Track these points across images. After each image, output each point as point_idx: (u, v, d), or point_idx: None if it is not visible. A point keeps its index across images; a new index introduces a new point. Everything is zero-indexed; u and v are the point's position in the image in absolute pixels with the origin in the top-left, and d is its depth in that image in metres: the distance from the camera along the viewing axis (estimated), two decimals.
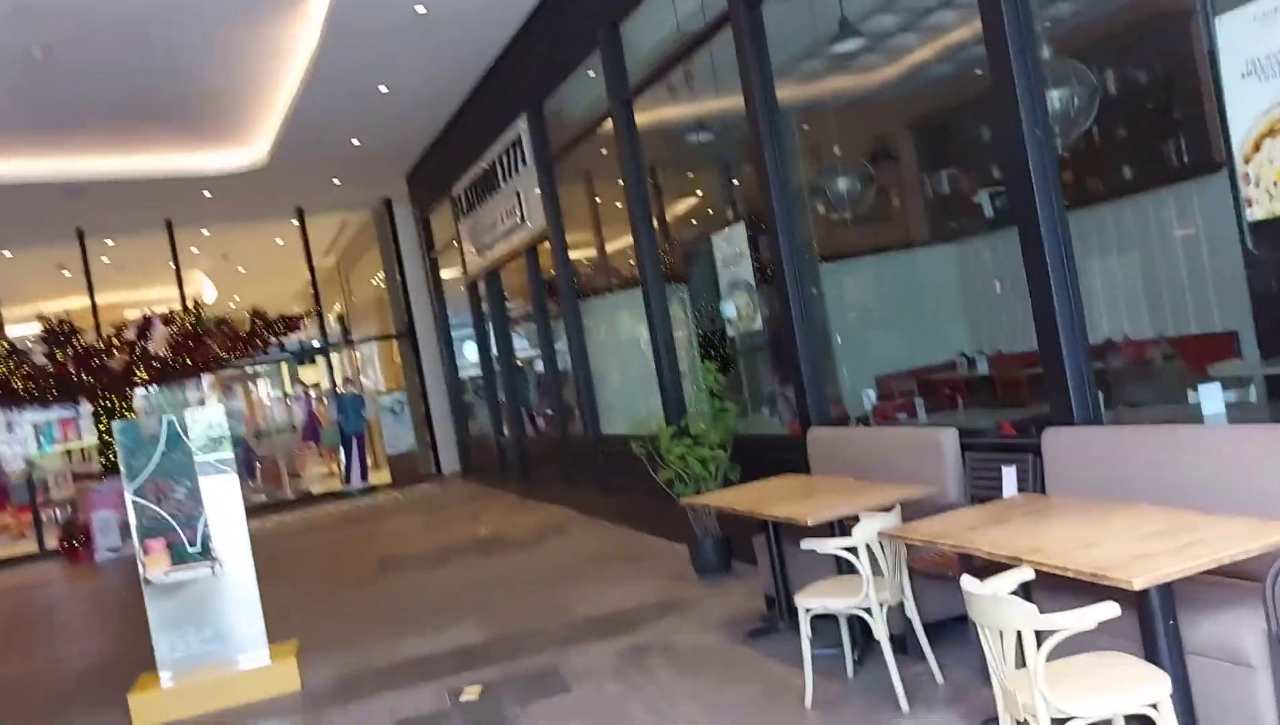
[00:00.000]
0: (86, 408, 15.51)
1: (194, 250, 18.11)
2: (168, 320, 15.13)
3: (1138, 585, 2.83)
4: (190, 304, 16.41)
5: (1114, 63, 6.09)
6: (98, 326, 15.79)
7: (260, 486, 18.75)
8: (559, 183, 10.92)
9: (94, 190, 13.93)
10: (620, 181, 9.07)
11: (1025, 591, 3.26)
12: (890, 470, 5.28)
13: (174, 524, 6.25)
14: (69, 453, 17.93)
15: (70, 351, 14.50)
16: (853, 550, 4.29)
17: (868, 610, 4.30)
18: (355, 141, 13.82)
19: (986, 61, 4.73)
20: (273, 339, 16.23)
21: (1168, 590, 3.05)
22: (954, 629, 4.65)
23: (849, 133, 7.89)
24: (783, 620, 5.45)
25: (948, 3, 7.18)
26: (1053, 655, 2.85)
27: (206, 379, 18.65)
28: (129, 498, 6.23)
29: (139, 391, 15.58)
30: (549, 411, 13.09)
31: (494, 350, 14.85)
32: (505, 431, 14.70)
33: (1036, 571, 3.15)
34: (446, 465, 18.13)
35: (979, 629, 3.04)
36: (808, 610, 4.45)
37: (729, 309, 7.79)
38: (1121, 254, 6.54)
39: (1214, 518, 3.32)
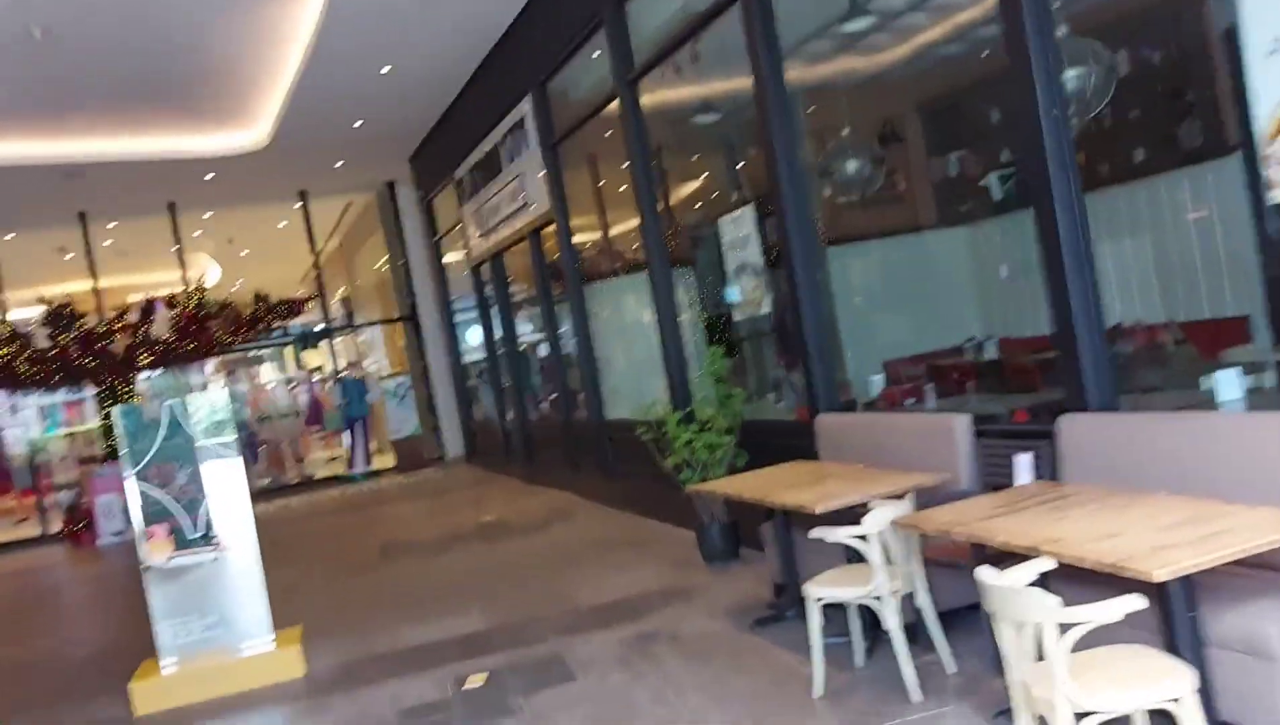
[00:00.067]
0: (91, 390, 15.47)
1: (196, 233, 18.04)
2: (170, 303, 15.06)
3: (1159, 577, 2.75)
4: (193, 287, 16.35)
5: (1127, 43, 5.99)
6: (100, 310, 15.74)
7: (264, 471, 18.71)
8: (563, 165, 10.82)
9: (95, 172, 13.85)
10: (625, 164, 8.98)
11: (1043, 582, 3.18)
12: (901, 457, 5.20)
13: (177, 509, 6.19)
14: (73, 436, 17.93)
15: (73, 334, 14.45)
16: (863, 539, 4.23)
17: (878, 599, 4.23)
18: (358, 123, 13.72)
19: (1002, 39, 4.64)
20: (276, 323, 16.17)
21: (1189, 582, 2.98)
22: (965, 618, 4.58)
23: (857, 114, 7.78)
24: (791, 608, 5.39)
25: None
26: (1072, 648, 2.78)
27: (210, 363, 18.59)
28: (130, 483, 6.16)
29: (142, 375, 15.53)
30: (554, 395, 13.02)
31: (498, 334, 14.78)
32: (509, 416, 14.64)
33: None
34: (451, 449, 18.07)
35: (994, 620, 2.97)
36: (818, 599, 4.39)
37: (735, 293, 7.71)
38: (1134, 237, 6.45)
39: (1235, 507, 3.23)
